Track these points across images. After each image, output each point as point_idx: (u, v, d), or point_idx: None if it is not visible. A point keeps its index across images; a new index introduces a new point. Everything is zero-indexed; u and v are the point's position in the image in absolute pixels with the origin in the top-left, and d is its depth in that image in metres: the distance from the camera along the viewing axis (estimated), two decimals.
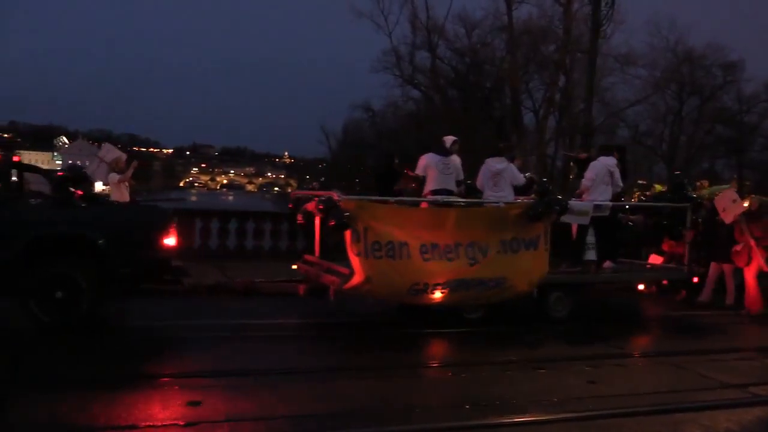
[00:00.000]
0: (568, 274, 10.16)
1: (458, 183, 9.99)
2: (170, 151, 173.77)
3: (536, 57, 35.23)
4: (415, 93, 39.03)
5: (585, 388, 6.45)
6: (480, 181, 10.19)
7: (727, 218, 11.20)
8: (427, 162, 9.85)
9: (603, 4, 23.96)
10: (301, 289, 10.25)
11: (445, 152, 9.92)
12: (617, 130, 40.05)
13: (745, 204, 11.32)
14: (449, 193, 9.69)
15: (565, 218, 9.61)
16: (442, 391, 6.22)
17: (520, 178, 10.35)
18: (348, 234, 7.89)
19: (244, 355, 7.18)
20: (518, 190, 10.41)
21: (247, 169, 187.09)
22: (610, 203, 10.45)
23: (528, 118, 36.55)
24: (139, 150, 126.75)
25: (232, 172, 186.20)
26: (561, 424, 5.41)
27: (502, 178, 9.97)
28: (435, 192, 9.62)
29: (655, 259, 12.23)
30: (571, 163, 20.86)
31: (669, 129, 41.33)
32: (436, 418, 5.39)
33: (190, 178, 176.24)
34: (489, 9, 36.29)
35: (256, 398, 5.64)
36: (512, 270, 8.64)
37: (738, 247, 11.15)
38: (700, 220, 12.11)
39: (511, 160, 10.54)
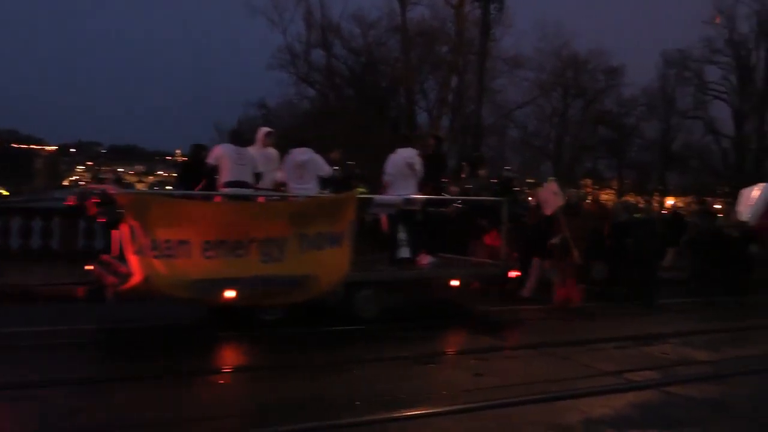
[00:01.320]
0: (377, 272, 9.83)
1: (258, 176, 9.31)
2: (53, 148, 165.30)
3: (430, 58, 35.81)
4: (311, 91, 38.90)
5: (473, 380, 6.64)
6: (284, 173, 9.74)
7: (548, 210, 11.46)
8: (220, 152, 9.17)
9: (492, 7, 24.61)
10: (81, 291, 9.66)
11: (241, 142, 9.32)
12: (507, 130, 41.35)
13: (565, 197, 11.65)
14: (244, 185, 8.99)
15: (373, 210, 9.61)
16: (333, 389, 6.22)
17: (326, 170, 9.82)
18: (125, 231, 7.37)
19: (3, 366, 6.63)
20: (330, 183, 10.01)
21: (137, 167, 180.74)
22: (421, 197, 10.24)
23: (422, 117, 37.14)
24: (18, 147, 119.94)
25: (120, 170, 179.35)
26: (450, 417, 5.56)
27: (306, 169, 9.55)
28: (228, 184, 8.93)
29: (481, 253, 11.89)
30: (463, 163, 21.36)
31: (555, 130, 42.98)
32: (326, 415, 5.40)
33: (75, 177, 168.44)
34: (384, 9, 36.56)
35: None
36: (315, 267, 8.14)
37: (555, 240, 11.36)
38: (523, 214, 12.16)
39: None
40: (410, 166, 10.13)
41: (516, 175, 14.37)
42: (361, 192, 9.98)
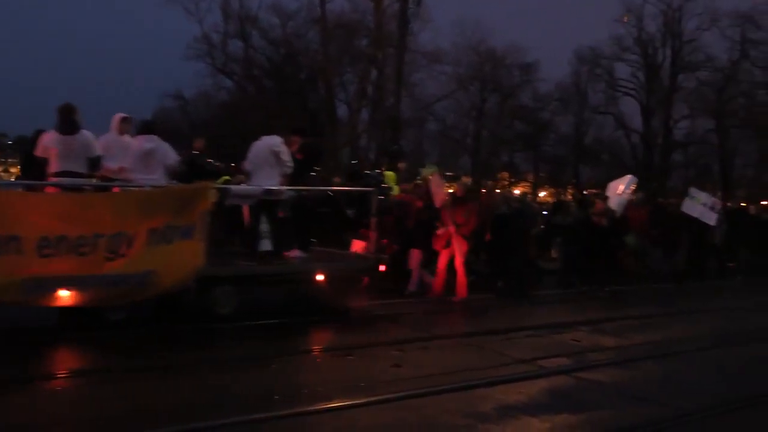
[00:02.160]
0: (234, 266, 9.25)
1: (94, 162, 8.35)
2: None
3: (350, 50, 35.79)
4: (229, 82, 38.28)
5: (391, 371, 6.68)
6: (129, 162, 8.94)
7: (437, 202, 11.18)
8: (45, 142, 8.25)
9: (410, 2, 24.82)
10: None
11: (69, 129, 8.20)
12: (426, 123, 41.78)
13: (451, 189, 11.62)
14: (74, 175, 8.13)
15: (229, 201, 9.17)
16: (250, 384, 6.15)
17: (173, 159, 9.27)
18: None
19: None
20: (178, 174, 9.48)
21: None
22: (284, 188, 9.62)
23: (342, 110, 37.10)
24: None
25: None
26: (368, 408, 5.58)
27: (152, 159, 8.92)
28: (55, 175, 8.10)
29: (357, 245, 11.50)
30: (382, 156, 21.49)
31: (473, 123, 43.69)
32: (243, 410, 5.34)
33: None
34: (303, 1, 36.26)
35: None
36: (162, 263, 7.41)
37: (439, 232, 11.14)
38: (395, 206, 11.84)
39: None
40: (275, 154, 9.46)
41: (367, 168, 14.13)
42: (225, 181, 9.73)
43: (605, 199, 14.29)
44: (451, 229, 11.00)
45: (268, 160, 9.47)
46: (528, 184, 46.35)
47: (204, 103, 40.07)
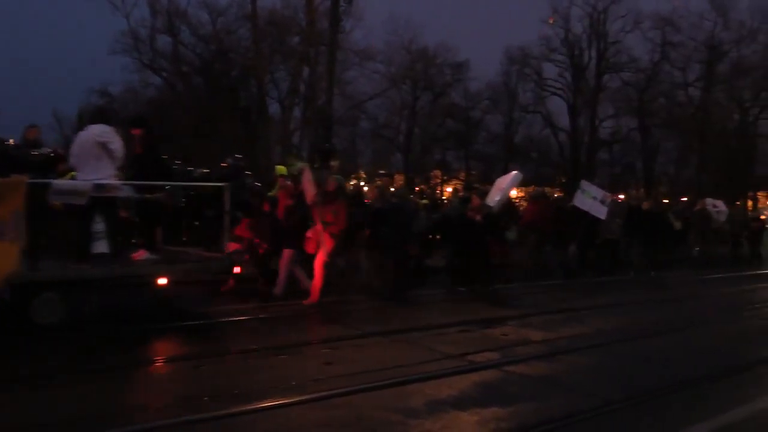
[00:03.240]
0: (56, 270, 8.11)
1: None
2: None
3: (281, 48, 35.48)
4: (157, 79, 37.41)
5: (323, 369, 6.68)
6: None
7: (308, 198, 10.58)
8: None
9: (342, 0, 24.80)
10: None
11: None
12: (359, 121, 41.84)
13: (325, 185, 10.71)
14: None
15: (55, 198, 8.25)
16: (179, 386, 6.06)
17: None
18: None
19: None
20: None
21: None
22: (117, 183, 8.64)
23: (274, 108, 36.78)
24: None
25: None
26: (299, 407, 5.56)
27: None
28: None
29: (231, 247, 10.75)
30: (315, 154, 21.43)
31: (405, 122, 43.96)
32: (173, 413, 5.26)
33: None
34: None
35: None
36: None
37: (309, 233, 10.52)
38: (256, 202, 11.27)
39: None
40: (101, 145, 8.37)
41: (243, 163, 13.49)
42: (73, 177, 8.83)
43: (483, 194, 13.70)
44: (319, 227, 10.34)
45: (93, 152, 8.39)
46: (460, 181, 46.90)
47: (131, 99, 39.07)
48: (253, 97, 36.06)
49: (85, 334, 7.83)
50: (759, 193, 43.03)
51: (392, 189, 13.40)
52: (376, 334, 8.61)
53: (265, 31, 34.03)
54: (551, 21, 42.06)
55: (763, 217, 22.94)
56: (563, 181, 43.59)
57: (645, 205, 18.75)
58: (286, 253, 10.67)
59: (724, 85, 41.54)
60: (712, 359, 8.02)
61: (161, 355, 7.43)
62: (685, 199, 30.69)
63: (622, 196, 21.15)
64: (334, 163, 15.44)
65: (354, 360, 7.16)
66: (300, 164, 11.59)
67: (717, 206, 21.43)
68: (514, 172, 14.85)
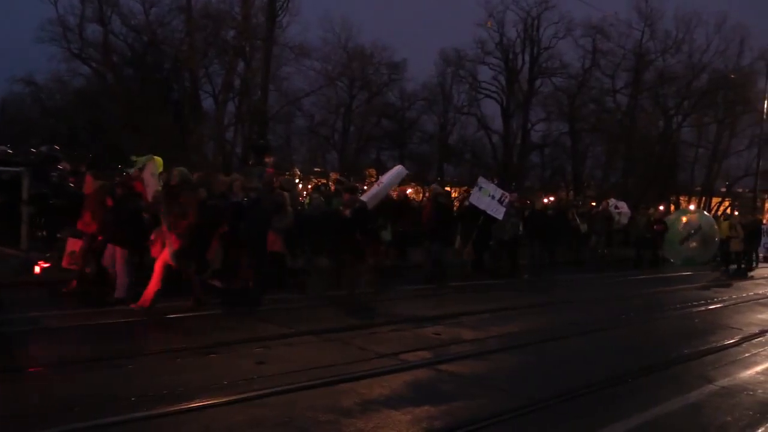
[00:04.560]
0: None
1: None
2: None
3: (216, 41, 34.86)
4: (86, 69, 36.23)
5: (254, 368, 6.61)
6: None
7: (148, 195, 9.86)
8: None
9: None
10: None
11: None
12: (295, 118, 41.50)
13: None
14: None
15: None
16: (106, 386, 5.88)
17: None
18: None
19: None
20: None
21: None
22: None
23: (208, 102, 36.12)
24: None
25: None
26: (229, 407, 5.49)
27: None
28: None
29: (73, 244, 10.26)
30: (249, 151, 21.18)
31: (341, 120, 43.85)
32: (96, 414, 5.08)
33: None
34: None
35: None
36: None
37: (153, 234, 9.59)
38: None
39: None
40: None
41: (58, 152, 12.63)
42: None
43: (351, 189, 12.82)
44: (164, 227, 9.25)
45: None
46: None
47: (58, 89, 37.78)
48: (186, 91, 35.32)
49: None
50: (681, 197, 44.66)
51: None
52: (308, 333, 8.54)
53: (200, 23, 33.37)
54: (489, 24, 42.63)
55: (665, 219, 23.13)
56: (495, 182, 44.23)
57: (538, 205, 18.23)
58: (118, 252, 9.66)
59: (650, 93, 42.97)
60: (632, 358, 8.31)
61: (86, 353, 7.20)
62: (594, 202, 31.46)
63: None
64: (268, 160, 15.19)
65: (286, 359, 7.11)
66: (145, 157, 10.44)
67: (619, 207, 21.78)
68: (398, 166, 14.12)
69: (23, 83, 36.78)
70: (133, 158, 10.54)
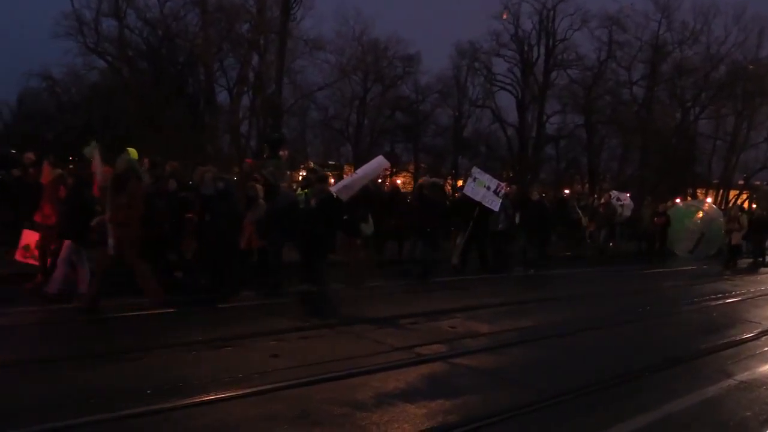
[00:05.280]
0: None
1: None
2: None
3: (230, 35, 34.89)
4: (101, 63, 36.38)
5: (269, 362, 6.60)
6: None
7: (96, 183, 9.49)
8: None
9: None
10: None
11: None
12: (309, 112, 41.53)
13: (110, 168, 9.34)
14: None
15: None
16: (121, 379, 5.89)
17: None
18: None
19: None
20: None
21: None
22: None
23: (222, 96, 36.19)
24: None
25: None
26: (243, 400, 5.49)
27: None
28: None
29: (28, 237, 10.01)
30: (264, 144, 21.20)
31: (355, 113, 43.80)
32: (113, 406, 5.10)
33: None
34: None
35: None
36: None
37: (94, 222, 9.09)
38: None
39: None
40: None
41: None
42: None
43: (323, 178, 12.00)
44: (107, 216, 8.74)
45: None
46: (409, 174, 47.02)
47: (74, 84, 37.99)
48: (200, 85, 35.44)
49: None
50: (698, 190, 44.28)
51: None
52: (322, 326, 8.53)
53: (214, 17, 33.41)
54: (504, 16, 42.39)
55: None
56: (510, 175, 44.11)
57: (534, 197, 17.17)
58: (65, 244, 9.26)
59: (667, 85, 42.57)
60: (650, 353, 8.23)
61: (104, 346, 7.22)
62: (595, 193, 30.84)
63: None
64: (282, 153, 15.19)
65: (300, 352, 7.09)
66: (92, 144, 9.92)
67: (622, 200, 21.00)
68: (379, 157, 13.03)
69: (39, 78, 37.00)
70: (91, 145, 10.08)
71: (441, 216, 14.50)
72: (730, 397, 6.60)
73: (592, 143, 44.23)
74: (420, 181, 17.39)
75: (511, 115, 45.34)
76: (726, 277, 18.28)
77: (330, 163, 44.13)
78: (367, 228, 12.05)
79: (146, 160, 10.67)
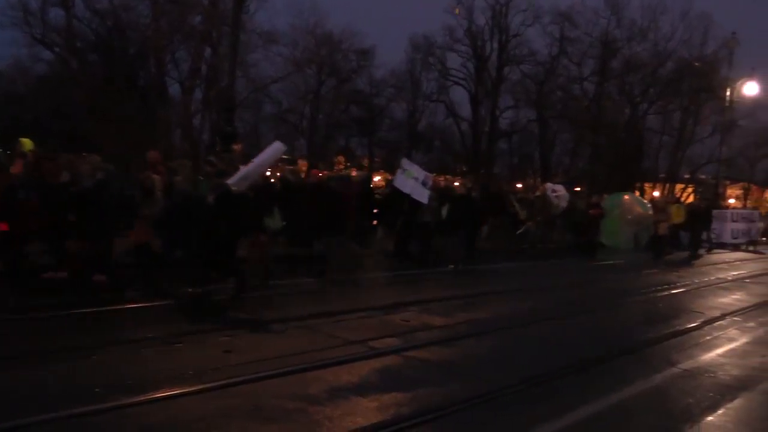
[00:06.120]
0: None
1: None
2: None
3: (182, 27, 34.36)
4: (49, 54, 35.49)
5: (222, 358, 6.57)
6: None
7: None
8: None
9: None
10: None
11: None
12: (263, 105, 41.22)
13: None
14: None
15: None
16: (70, 377, 5.82)
17: None
18: None
19: None
20: None
21: None
22: None
23: (174, 89, 35.65)
24: None
25: None
26: (197, 397, 5.46)
27: None
28: None
29: None
30: (217, 138, 20.96)
31: (309, 107, 43.64)
32: (60, 405, 5.02)
33: None
34: None
35: None
36: None
37: None
38: None
39: None
40: None
41: None
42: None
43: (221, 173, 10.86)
44: None
45: None
46: (364, 168, 47.08)
47: (20, 75, 37.01)
48: (152, 77, 34.83)
49: None
50: (646, 184, 45.31)
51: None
52: (275, 320, 8.47)
53: (165, 8, 32.86)
54: (456, 11, 42.72)
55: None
56: (464, 169, 44.50)
57: (460, 189, 16.64)
58: None
59: (616, 81, 43.45)
60: (598, 343, 8.43)
61: (51, 344, 7.08)
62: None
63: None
64: (236, 147, 15.06)
65: (253, 347, 7.06)
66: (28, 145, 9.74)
67: (557, 191, 20.62)
68: (275, 142, 12.24)
69: None
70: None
71: (354, 210, 13.63)
72: (675, 385, 6.81)
73: (544, 138, 44.96)
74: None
75: (465, 110, 45.88)
76: (658, 270, 18.07)
77: (284, 157, 43.84)
78: (273, 222, 11.41)
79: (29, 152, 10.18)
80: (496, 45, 44.18)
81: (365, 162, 48.19)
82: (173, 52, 35.18)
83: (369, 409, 5.42)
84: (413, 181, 14.20)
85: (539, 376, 6.65)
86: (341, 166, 45.20)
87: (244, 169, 10.84)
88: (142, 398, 5.28)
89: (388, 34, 71.84)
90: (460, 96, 46.17)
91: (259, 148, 40.25)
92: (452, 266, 14.67)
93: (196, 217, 9.73)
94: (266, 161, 11.52)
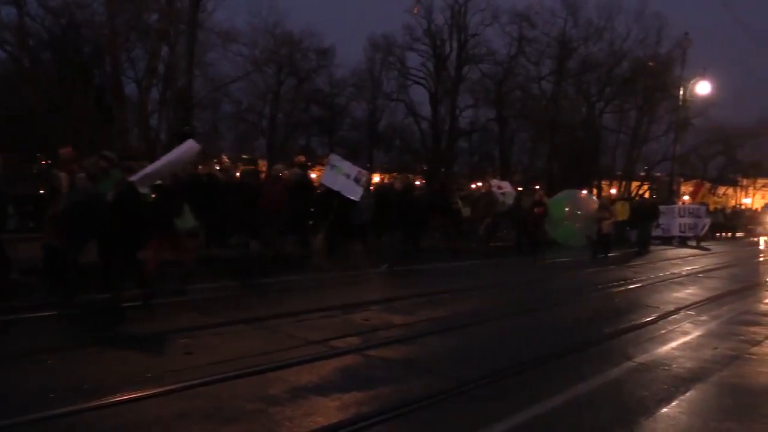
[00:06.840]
0: None
1: None
2: None
3: (138, 25, 33.83)
4: (0, 53, 34.66)
5: (182, 360, 6.51)
6: None
7: None
8: None
9: None
10: None
11: None
12: (221, 105, 40.78)
13: None
14: None
15: None
16: (23, 382, 5.70)
17: None
18: None
19: None
20: None
21: None
22: None
23: (130, 88, 35.07)
24: None
25: None
26: (156, 399, 5.41)
27: None
28: None
29: None
30: (174, 138, 20.66)
31: (269, 106, 43.32)
32: (11, 412, 4.92)
33: None
34: None
35: None
36: None
37: None
38: None
39: None
40: None
41: None
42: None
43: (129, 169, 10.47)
44: None
45: None
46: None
47: None
48: (107, 76, 34.22)
49: None
50: (603, 182, 46.06)
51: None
52: (236, 321, 8.40)
53: (121, 6, 32.32)
54: (416, 11, 42.82)
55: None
56: (424, 168, 44.70)
57: (397, 185, 16.11)
58: None
59: (574, 80, 44.07)
60: (557, 339, 8.56)
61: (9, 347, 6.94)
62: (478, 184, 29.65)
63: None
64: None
65: (214, 349, 7.00)
66: None
67: (503, 188, 20.36)
68: (189, 140, 11.82)
69: None
70: None
71: (281, 208, 13.23)
72: (631, 378, 6.95)
73: (503, 137, 45.34)
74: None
75: (425, 109, 46.00)
76: (615, 267, 18.00)
77: (243, 156, 43.51)
78: (183, 222, 10.86)
79: None
80: (455, 44, 44.42)
81: (326, 162, 47.99)
82: (129, 51, 34.63)
83: (330, 408, 5.42)
84: (344, 177, 13.82)
85: (497, 372, 6.73)
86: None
87: (150, 167, 10.45)
88: (99, 402, 5.20)
89: (348, 34, 71.81)
90: (420, 95, 46.34)
91: (218, 148, 40.22)
92: (386, 266, 13.87)
93: (93, 216, 9.15)
94: (177, 160, 11.03)
